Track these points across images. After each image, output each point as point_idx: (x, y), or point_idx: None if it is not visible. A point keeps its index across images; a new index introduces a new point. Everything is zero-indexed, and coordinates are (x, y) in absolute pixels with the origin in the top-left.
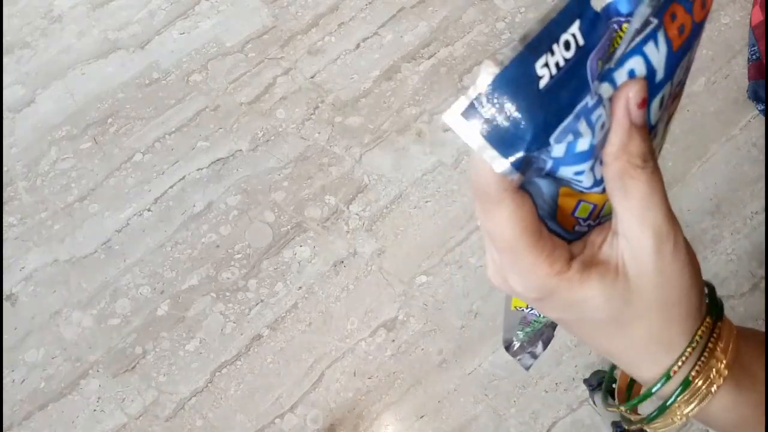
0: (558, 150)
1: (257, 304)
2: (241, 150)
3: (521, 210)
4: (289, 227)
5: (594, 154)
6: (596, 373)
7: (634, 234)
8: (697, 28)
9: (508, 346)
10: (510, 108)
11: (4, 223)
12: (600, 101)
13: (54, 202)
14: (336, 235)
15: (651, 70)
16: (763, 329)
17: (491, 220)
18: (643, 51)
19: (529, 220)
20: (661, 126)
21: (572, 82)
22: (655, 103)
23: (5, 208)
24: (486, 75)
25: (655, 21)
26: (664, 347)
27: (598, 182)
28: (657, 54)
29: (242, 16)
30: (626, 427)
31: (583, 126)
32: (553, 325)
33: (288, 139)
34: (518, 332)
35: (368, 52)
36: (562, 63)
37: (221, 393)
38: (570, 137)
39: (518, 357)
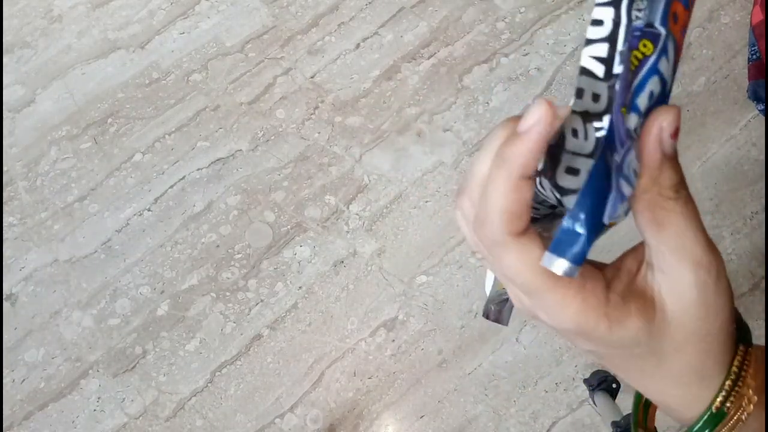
0: (616, 213)
1: (257, 304)
2: (241, 150)
3: (533, 251)
4: (289, 227)
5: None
6: (596, 373)
7: (672, 268)
8: (689, 17)
9: (486, 314)
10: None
11: (4, 223)
12: (629, 149)
13: (54, 202)
14: (336, 235)
15: (664, 83)
16: (763, 329)
17: (504, 266)
18: (657, 69)
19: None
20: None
21: (599, 151)
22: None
23: (5, 208)
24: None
25: (663, 30)
26: (698, 378)
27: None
28: (667, 64)
29: (242, 16)
30: None
31: (625, 186)
32: None
33: (288, 139)
34: (497, 293)
35: (368, 52)
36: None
37: (221, 393)
38: (616, 201)
39: (496, 315)
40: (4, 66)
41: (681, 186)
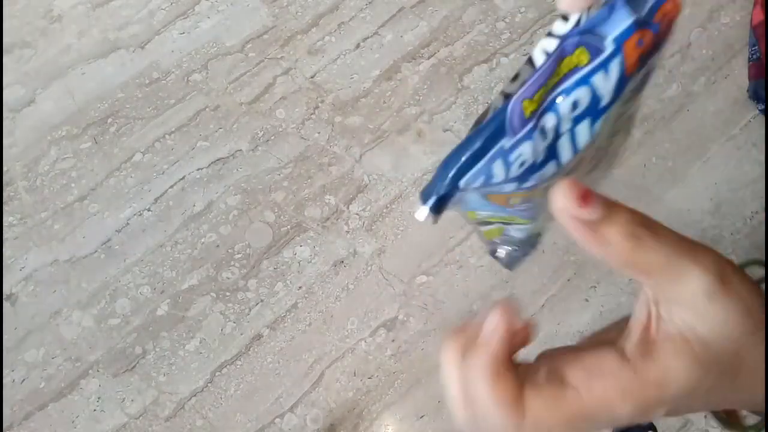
0: (476, 184)
1: (257, 304)
2: (241, 150)
3: (504, 376)
4: (289, 227)
5: (510, 178)
6: None
7: (679, 293)
8: (661, 42)
9: (492, 253)
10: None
11: (4, 223)
12: (527, 137)
13: (54, 202)
14: (336, 235)
15: (595, 98)
16: None
17: (479, 394)
18: (589, 81)
19: (516, 389)
20: (620, 125)
21: (489, 128)
22: (600, 122)
23: (5, 208)
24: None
25: (610, 48)
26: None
27: (523, 189)
28: (606, 81)
29: (242, 15)
30: None
31: (497, 165)
32: (531, 242)
33: (288, 139)
34: (505, 242)
35: (368, 52)
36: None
37: (221, 393)
38: (482, 177)
39: (509, 260)
40: (4, 66)
41: (632, 227)
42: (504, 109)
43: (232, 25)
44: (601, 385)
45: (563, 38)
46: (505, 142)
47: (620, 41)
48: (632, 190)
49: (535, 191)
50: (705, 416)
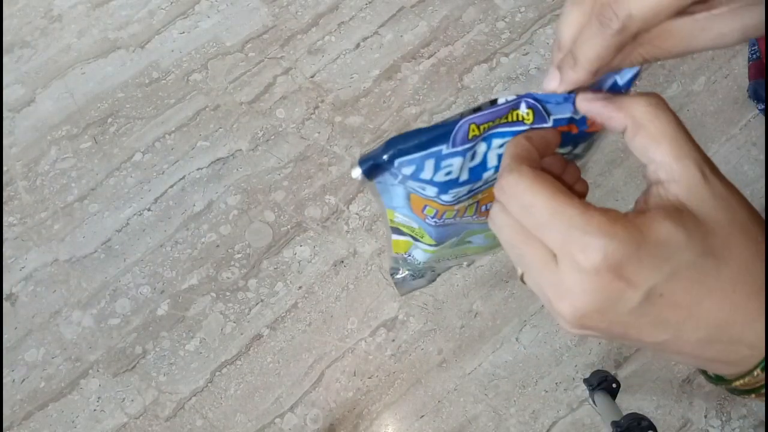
0: (406, 170)
1: (257, 304)
2: (241, 150)
3: (544, 176)
4: (289, 227)
5: (436, 184)
6: (596, 373)
7: (676, 171)
8: (590, 135)
9: (393, 274)
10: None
11: (4, 223)
12: (461, 153)
13: (54, 201)
14: (336, 234)
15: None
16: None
17: (520, 194)
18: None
19: (558, 185)
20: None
21: (437, 131)
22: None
23: (5, 208)
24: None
25: (547, 123)
26: (758, 288)
27: (439, 200)
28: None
29: (242, 15)
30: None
31: (429, 163)
32: (431, 269)
33: (288, 138)
34: (404, 265)
35: (368, 52)
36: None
37: (221, 393)
38: (414, 167)
39: (399, 284)
40: (4, 66)
41: (655, 100)
42: (455, 123)
43: (232, 25)
44: (598, 212)
45: (524, 95)
46: (444, 149)
47: (556, 123)
48: (632, 189)
49: (448, 212)
50: (705, 416)
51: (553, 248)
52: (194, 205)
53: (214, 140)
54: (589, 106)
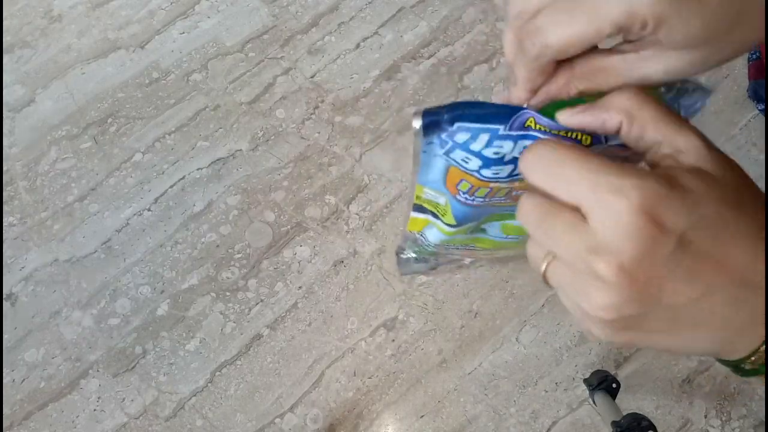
0: (460, 137)
1: (257, 304)
2: (241, 150)
3: (569, 143)
4: (289, 227)
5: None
6: (596, 373)
7: (682, 143)
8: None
9: (399, 252)
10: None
11: (4, 223)
12: (511, 139)
13: (54, 201)
14: (336, 234)
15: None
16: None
17: (545, 157)
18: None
19: (583, 148)
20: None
21: (500, 110)
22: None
23: (5, 208)
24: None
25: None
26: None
27: (479, 174)
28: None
29: (242, 15)
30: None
31: (483, 137)
32: (436, 255)
33: (288, 138)
34: (411, 247)
35: (368, 52)
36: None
37: (221, 393)
38: (468, 135)
39: (402, 264)
40: (4, 66)
41: (635, 91)
42: (520, 109)
43: (232, 25)
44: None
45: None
46: (501, 129)
47: (610, 145)
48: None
49: (482, 188)
50: (705, 416)
51: (583, 204)
52: (194, 205)
53: (214, 140)
54: (575, 119)
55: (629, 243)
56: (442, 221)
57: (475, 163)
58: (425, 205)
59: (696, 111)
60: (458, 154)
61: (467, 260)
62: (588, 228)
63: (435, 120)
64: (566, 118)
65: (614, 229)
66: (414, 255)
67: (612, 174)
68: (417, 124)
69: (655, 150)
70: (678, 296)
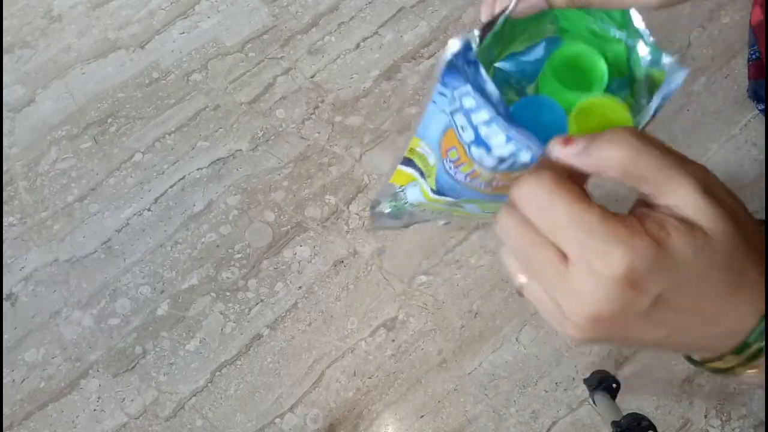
0: (467, 102)
1: (257, 304)
2: (241, 150)
3: (566, 182)
4: (289, 227)
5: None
6: (596, 373)
7: (679, 196)
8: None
9: (374, 206)
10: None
11: (4, 223)
12: (507, 137)
13: (54, 201)
14: (336, 234)
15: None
16: None
17: (539, 196)
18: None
19: (579, 191)
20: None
21: (501, 99)
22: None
23: (5, 208)
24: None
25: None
26: (751, 290)
27: (468, 149)
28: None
29: (242, 15)
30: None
31: (483, 113)
32: (411, 214)
33: (288, 138)
34: (389, 200)
35: (368, 52)
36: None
37: (221, 393)
38: (474, 104)
39: (376, 218)
40: (4, 66)
41: (631, 137)
42: (517, 104)
43: (232, 25)
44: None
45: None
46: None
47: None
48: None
49: (467, 164)
50: (705, 416)
51: (568, 251)
52: (194, 205)
53: (214, 140)
54: (572, 160)
55: (605, 303)
56: (426, 183)
57: (469, 136)
58: (416, 160)
59: (673, 91)
60: (460, 119)
61: (441, 222)
62: (568, 273)
63: (466, 61)
64: (562, 155)
65: (594, 289)
66: (389, 210)
67: (602, 237)
68: (455, 46)
69: (653, 197)
70: (645, 335)
